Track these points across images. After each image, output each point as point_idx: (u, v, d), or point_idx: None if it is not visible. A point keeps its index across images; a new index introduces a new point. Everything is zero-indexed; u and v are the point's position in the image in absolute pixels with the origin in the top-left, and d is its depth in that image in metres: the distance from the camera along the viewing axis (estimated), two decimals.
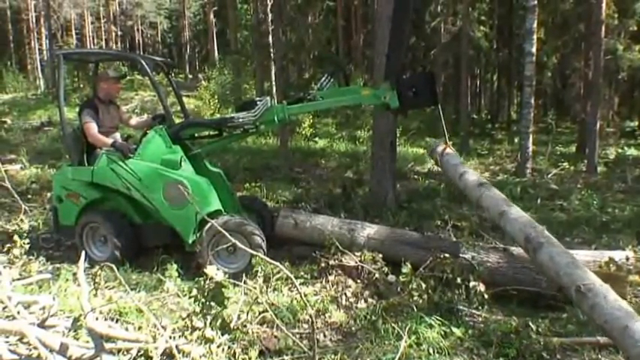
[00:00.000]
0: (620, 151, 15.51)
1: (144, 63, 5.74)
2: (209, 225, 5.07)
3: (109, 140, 5.84)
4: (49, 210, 7.39)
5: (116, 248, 5.61)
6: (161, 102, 6.10)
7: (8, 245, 4.73)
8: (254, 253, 4.13)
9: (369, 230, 5.57)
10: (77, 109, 6.15)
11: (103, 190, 5.78)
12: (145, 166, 5.54)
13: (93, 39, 36.99)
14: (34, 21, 33.69)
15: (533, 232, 3.92)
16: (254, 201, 7.04)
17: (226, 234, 3.59)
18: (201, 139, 6.30)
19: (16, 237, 4.67)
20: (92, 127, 5.82)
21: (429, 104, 5.61)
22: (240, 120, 5.54)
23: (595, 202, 8.39)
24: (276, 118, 5.57)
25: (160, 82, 6.88)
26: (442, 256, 4.69)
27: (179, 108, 6.89)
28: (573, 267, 3.48)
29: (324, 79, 5.77)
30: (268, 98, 5.68)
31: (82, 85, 22.40)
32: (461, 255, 4.91)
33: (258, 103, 5.57)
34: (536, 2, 11.62)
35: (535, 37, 11.65)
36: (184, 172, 5.51)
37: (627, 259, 4.80)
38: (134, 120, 6.63)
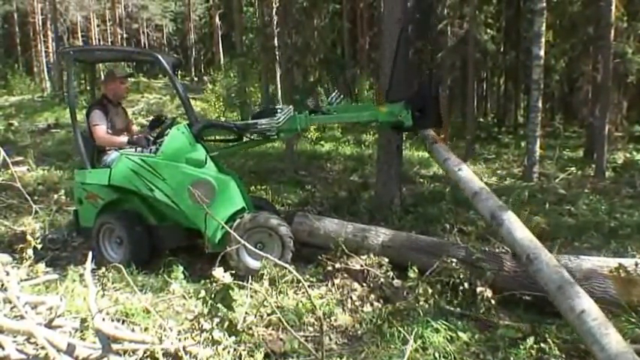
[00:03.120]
0: (628, 155, 15.42)
1: (162, 60, 5.61)
2: (239, 221, 5.30)
3: (124, 138, 5.78)
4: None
5: (129, 250, 5.59)
6: (180, 99, 5.89)
7: (21, 245, 4.74)
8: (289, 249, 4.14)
9: (383, 237, 5.50)
10: (85, 111, 6.12)
11: (120, 191, 5.73)
12: (169, 165, 5.45)
13: (99, 41, 37.15)
14: (40, 24, 33.91)
15: (498, 210, 4.66)
16: (260, 200, 7.05)
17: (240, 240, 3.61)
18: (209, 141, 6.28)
19: (28, 237, 4.67)
20: (101, 130, 5.74)
21: (435, 125, 5.98)
22: (263, 126, 5.55)
23: (603, 207, 8.33)
24: (298, 127, 5.65)
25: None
26: (449, 260, 4.66)
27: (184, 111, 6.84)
28: (527, 240, 4.29)
29: (333, 95, 5.90)
30: (292, 107, 5.74)
31: (88, 88, 22.50)
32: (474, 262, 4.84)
33: (278, 110, 5.62)
34: (544, 5, 11.58)
35: (543, 40, 11.61)
36: (210, 171, 5.46)
37: (637, 264, 4.76)
38: (135, 128, 6.49)
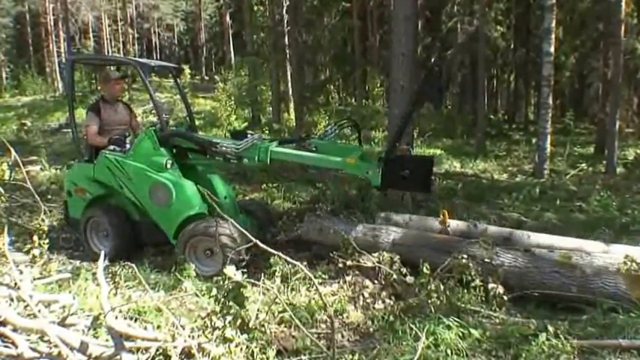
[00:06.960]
0: (639, 151, 15.31)
1: (139, 68, 6.01)
2: (185, 228, 5.47)
3: (105, 139, 6.06)
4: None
5: (114, 243, 5.86)
6: (154, 105, 6.43)
7: (29, 246, 4.80)
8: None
9: (394, 235, 5.47)
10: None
11: (106, 187, 6.04)
12: (135, 166, 5.76)
13: (110, 41, 37.37)
14: (52, 24, 34.11)
15: None
16: (252, 204, 7.26)
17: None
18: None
19: (35, 237, 4.73)
20: (90, 130, 6.13)
21: (421, 190, 5.91)
22: (224, 148, 5.63)
23: (614, 204, 8.27)
24: (257, 157, 5.57)
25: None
26: (460, 257, 4.64)
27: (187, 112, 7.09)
28: None
29: (329, 128, 5.93)
30: (258, 136, 5.78)
31: (99, 88, 22.69)
32: (486, 259, 4.81)
33: (248, 136, 5.69)
34: (554, 1, 11.52)
35: (553, 36, 11.55)
36: (169, 175, 5.67)
37: None
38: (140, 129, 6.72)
